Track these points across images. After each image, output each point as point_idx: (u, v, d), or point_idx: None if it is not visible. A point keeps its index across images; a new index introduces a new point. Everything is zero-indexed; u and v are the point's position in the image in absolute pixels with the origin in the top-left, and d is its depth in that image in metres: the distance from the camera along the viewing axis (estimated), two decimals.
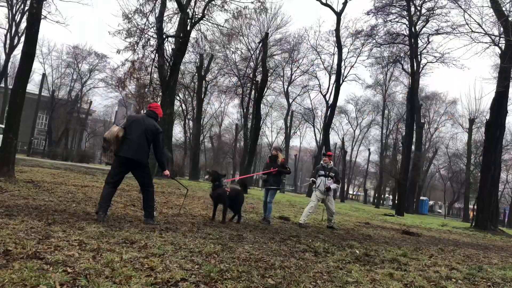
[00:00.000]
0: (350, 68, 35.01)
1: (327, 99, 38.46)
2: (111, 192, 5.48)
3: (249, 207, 10.80)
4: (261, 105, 27.92)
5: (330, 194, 8.70)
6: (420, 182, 41.93)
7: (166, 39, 13.42)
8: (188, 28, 11.59)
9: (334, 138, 49.37)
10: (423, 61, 30.87)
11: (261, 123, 26.27)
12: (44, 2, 11.80)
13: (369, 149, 52.04)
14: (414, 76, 26.51)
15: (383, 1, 26.03)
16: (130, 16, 13.09)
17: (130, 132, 5.45)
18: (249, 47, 33.04)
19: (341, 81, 30.03)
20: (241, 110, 35.22)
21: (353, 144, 52.01)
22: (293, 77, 42.19)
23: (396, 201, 32.10)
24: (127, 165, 5.47)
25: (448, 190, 47.41)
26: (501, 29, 15.18)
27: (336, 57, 30.80)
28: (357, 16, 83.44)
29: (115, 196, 8.57)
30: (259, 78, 28.69)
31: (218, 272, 3.32)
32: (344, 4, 26.87)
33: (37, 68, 56.15)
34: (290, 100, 43.97)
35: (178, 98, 32.35)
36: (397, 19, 26.64)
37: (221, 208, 6.96)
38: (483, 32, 13.90)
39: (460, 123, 43.02)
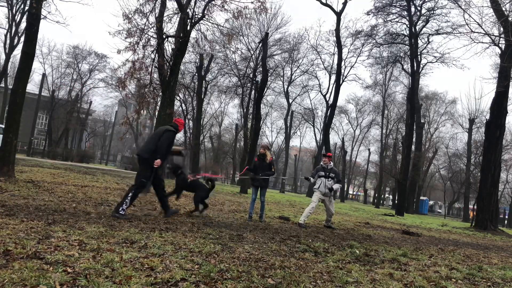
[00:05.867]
0: (350, 68, 34.96)
1: (327, 99, 38.46)
2: None
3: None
4: (261, 105, 27.90)
5: (331, 195, 8.73)
6: (420, 182, 41.87)
7: (166, 39, 13.42)
8: (188, 28, 11.58)
9: (334, 138, 49.37)
10: (423, 61, 30.93)
11: (261, 123, 26.24)
12: (44, 2, 11.77)
13: (369, 149, 51.98)
14: (414, 76, 26.53)
15: (383, 1, 26.05)
16: (130, 16, 13.09)
17: None
18: (249, 47, 32.99)
19: (341, 81, 30.02)
20: (241, 110, 35.18)
21: (353, 144, 51.96)
22: (293, 77, 42.22)
23: (396, 201, 32.10)
24: None
25: (448, 190, 47.31)
26: (501, 29, 15.17)
27: (336, 57, 30.84)
28: (357, 16, 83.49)
29: (116, 196, 8.57)
30: (259, 78, 28.67)
31: (218, 272, 3.32)
32: (344, 4, 26.87)
33: (37, 68, 56.31)
34: (290, 100, 43.99)
35: (178, 98, 32.30)
36: (397, 19, 26.67)
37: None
38: (483, 32, 13.87)
39: (460, 123, 42.99)
